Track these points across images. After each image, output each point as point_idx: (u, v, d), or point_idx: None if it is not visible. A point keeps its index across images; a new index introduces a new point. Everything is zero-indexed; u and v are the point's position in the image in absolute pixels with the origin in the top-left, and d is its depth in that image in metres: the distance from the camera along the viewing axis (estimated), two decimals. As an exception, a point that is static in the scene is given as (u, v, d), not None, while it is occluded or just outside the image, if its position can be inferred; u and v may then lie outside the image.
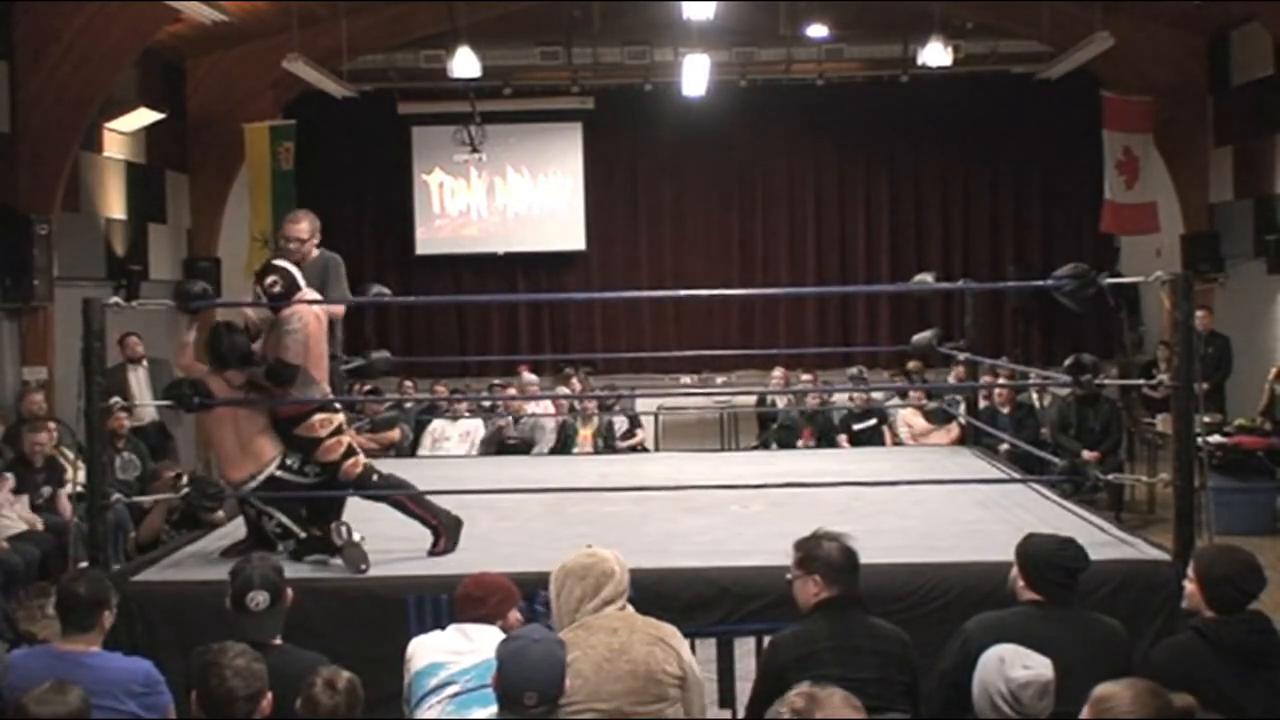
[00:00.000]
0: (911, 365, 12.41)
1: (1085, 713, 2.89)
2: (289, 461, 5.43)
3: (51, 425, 8.45)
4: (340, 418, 5.57)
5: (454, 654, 3.77)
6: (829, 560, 3.75)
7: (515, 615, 3.97)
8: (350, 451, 5.49)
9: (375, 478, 5.58)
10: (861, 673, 3.52)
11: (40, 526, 7.92)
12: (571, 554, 3.75)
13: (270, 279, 5.36)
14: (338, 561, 5.34)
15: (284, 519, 5.44)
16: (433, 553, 5.52)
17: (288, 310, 5.33)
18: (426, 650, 3.84)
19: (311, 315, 5.41)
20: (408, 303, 13.94)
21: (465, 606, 3.96)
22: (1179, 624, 4.37)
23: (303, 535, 5.44)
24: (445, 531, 5.58)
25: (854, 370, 12.22)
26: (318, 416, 5.43)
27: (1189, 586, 3.74)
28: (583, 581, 3.61)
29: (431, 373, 13.19)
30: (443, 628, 4.04)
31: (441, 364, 13.49)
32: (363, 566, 5.24)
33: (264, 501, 5.44)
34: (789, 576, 3.86)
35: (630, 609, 3.69)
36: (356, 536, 5.39)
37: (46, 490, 8.27)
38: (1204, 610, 3.67)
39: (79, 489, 5.76)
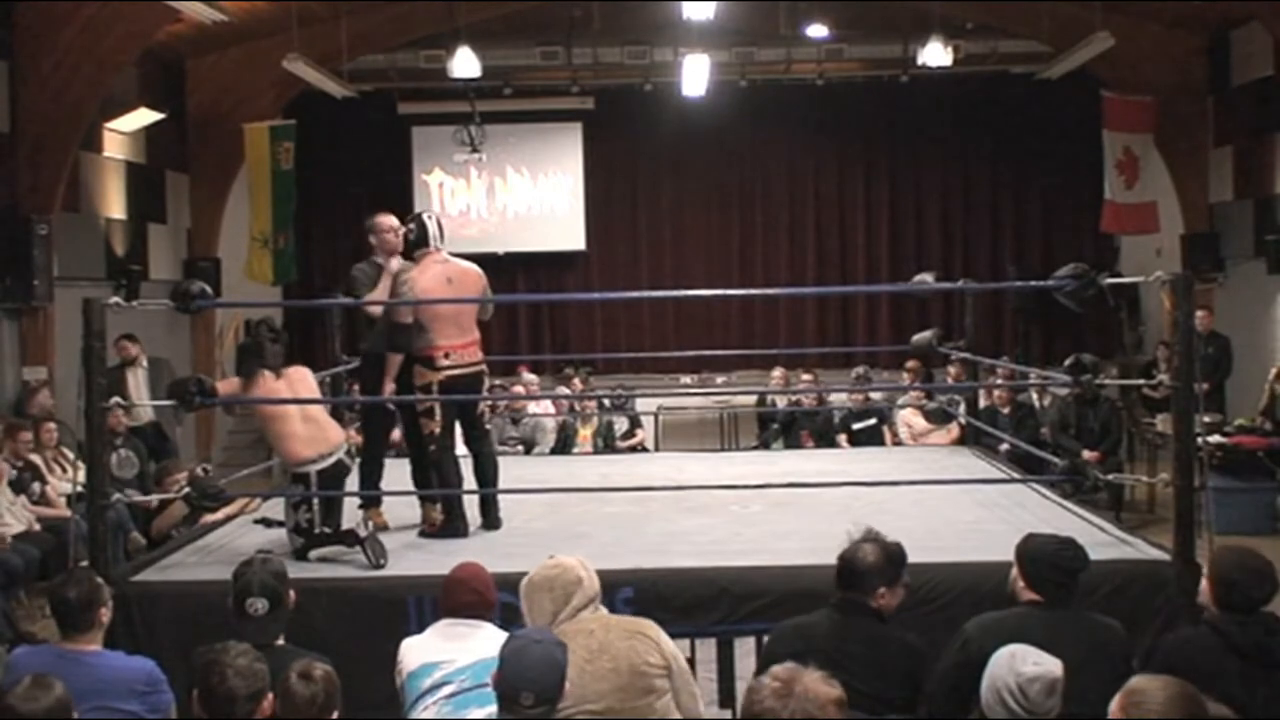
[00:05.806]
0: (911, 364, 12.37)
1: (1115, 704, 2.82)
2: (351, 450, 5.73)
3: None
4: (435, 376, 5.82)
5: (447, 653, 3.76)
6: (840, 566, 3.78)
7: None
8: (428, 413, 5.86)
9: (436, 447, 5.86)
10: (854, 680, 3.50)
11: (37, 526, 7.95)
12: (535, 567, 3.75)
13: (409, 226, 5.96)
14: (348, 557, 5.35)
15: (315, 514, 5.47)
16: (426, 532, 5.82)
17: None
18: (417, 651, 3.82)
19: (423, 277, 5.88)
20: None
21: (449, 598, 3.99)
22: (1179, 624, 4.39)
23: (317, 531, 5.45)
24: (456, 521, 5.80)
25: (859, 370, 12.20)
26: (417, 368, 5.87)
27: (1204, 581, 3.79)
28: (551, 594, 3.61)
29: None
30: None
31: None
32: (381, 561, 5.28)
33: (320, 487, 5.50)
34: None
35: (604, 610, 3.70)
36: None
37: (36, 488, 8.33)
38: (1213, 607, 3.70)
39: (79, 489, 5.76)
